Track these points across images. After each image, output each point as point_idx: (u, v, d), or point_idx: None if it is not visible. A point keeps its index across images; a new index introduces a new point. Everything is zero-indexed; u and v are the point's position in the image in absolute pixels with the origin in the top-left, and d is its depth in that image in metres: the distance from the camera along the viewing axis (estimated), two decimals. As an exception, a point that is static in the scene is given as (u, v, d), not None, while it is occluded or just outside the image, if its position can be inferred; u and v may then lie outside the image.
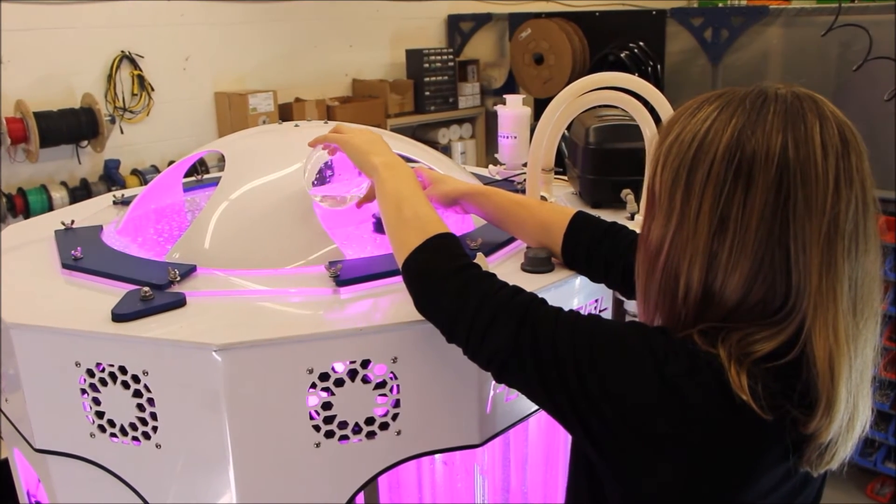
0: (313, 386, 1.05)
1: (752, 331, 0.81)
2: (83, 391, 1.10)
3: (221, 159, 1.45)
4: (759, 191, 0.78)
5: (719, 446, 0.79)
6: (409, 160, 1.71)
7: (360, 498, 1.17)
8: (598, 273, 1.17)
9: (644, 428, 0.80)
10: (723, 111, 0.82)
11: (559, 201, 1.58)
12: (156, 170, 3.39)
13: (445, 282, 0.95)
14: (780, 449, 0.79)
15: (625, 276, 1.11)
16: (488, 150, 4.57)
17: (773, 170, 0.77)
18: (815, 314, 0.78)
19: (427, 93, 4.25)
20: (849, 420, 0.81)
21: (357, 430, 1.09)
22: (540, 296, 0.93)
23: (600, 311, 1.30)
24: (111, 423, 1.11)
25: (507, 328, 0.89)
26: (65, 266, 1.29)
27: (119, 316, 1.08)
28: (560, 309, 0.90)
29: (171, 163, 3.03)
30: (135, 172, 3.35)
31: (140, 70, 3.39)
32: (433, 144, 4.22)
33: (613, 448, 0.83)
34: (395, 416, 1.10)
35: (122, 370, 1.07)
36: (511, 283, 0.94)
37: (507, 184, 1.72)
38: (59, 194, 3.10)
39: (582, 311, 1.24)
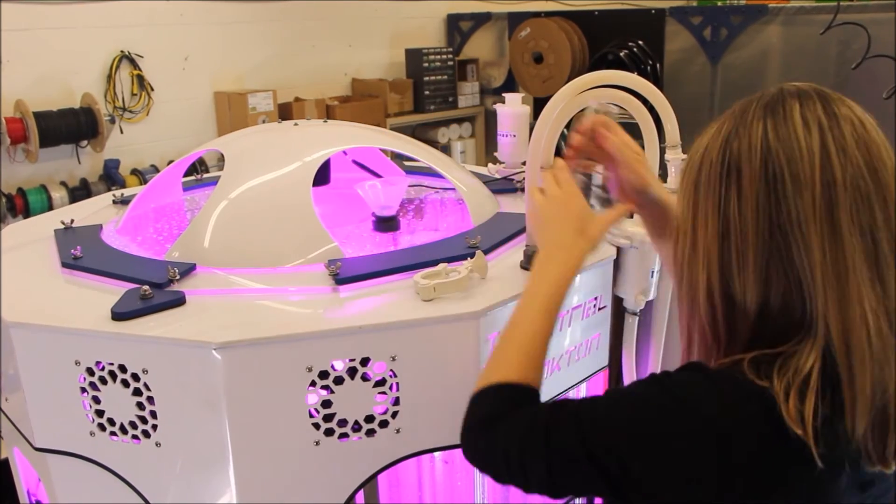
0: (313, 384, 1.05)
1: (798, 348, 0.78)
2: (83, 390, 1.10)
3: (221, 159, 1.45)
4: (748, 182, 0.79)
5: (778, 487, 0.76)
6: (409, 159, 1.71)
7: (360, 496, 1.17)
8: None
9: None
10: (716, 125, 0.84)
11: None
12: (155, 169, 3.39)
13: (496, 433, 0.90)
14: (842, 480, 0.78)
15: None
16: (488, 149, 4.57)
17: (758, 158, 0.78)
18: (826, 290, 0.76)
19: (426, 92, 4.25)
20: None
21: (356, 428, 1.09)
22: (550, 401, 0.88)
23: (599, 309, 1.30)
24: (111, 421, 1.11)
25: (539, 461, 0.85)
26: (64, 265, 1.29)
27: (119, 315, 1.08)
28: (576, 416, 0.85)
29: (170, 162, 3.03)
30: (134, 172, 3.36)
31: (139, 70, 3.39)
32: (433, 143, 4.22)
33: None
34: (394, 414, 1.10)
35: (122, 369, 1.07)
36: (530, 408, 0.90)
37: (507, 182, 1.72)
38: (58, 194, 3.10)
39: (581, 311, 1.25)
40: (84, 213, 1.64)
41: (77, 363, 1.09)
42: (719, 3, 4.20)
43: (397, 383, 1.08)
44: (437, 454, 1.43)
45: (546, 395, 1.25)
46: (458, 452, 1.41)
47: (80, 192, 3.14)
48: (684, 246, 0.86)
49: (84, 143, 3.23)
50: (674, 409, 0.79)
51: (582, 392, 1.42)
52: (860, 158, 0.77)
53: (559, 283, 0.97)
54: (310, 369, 1.05)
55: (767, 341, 0.81)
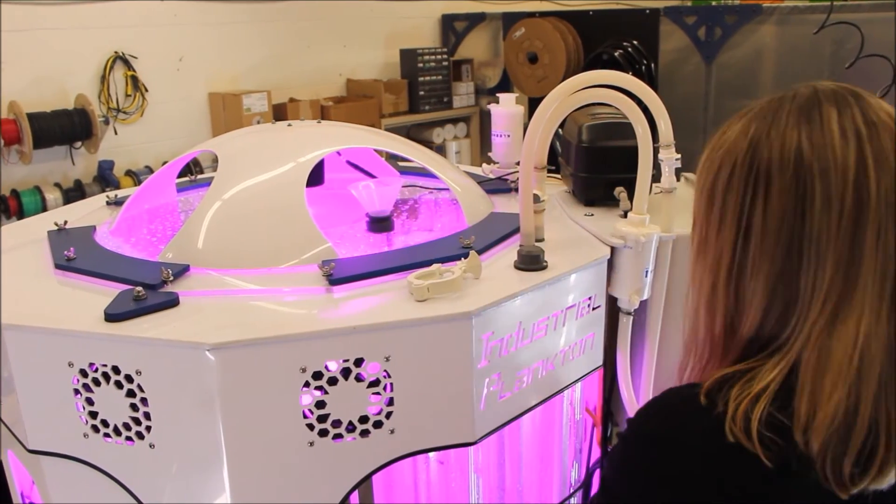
0: (307, 385, 1.05)
1: (764, 363, 0.78)
2: (76, 391, 1.10)
3: (216, 160, 1.45)
4: (778, 192, 0.76)
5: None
6: (403, 160, 1.71)
7: (355, 497, 1.17)
8: None
9: None
10: (742, 122, 0.81)
11: (552, 200, 1.58)
12: (150, 170, 3.39)
13: None
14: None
15: None
16: (483, 149, 4.58)
17: (791, 168, 0.75)
18: (825, 305, 0.75)
19: (421, 92, 4.25)
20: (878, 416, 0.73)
21: (351, 428, 1.09)
22: None
23: (594, 308, 1.30)
24: (105, 423, 1.10)
25: None
26: (58, 266, 1.29)
27: (112, 316, 1.08)
28: None
29: (165, 163, 3.03)
30: (129, 173, 3.35)
31: (134, 71, 3.39)
32: (428, 144, 4.22)
33: None
34: (388, 415, 1.09)
35: (116, 370, 1.07)
36: None
37: (501, 182, 1.72)
38: (52, 196, 3.10)
39: (576, 310, 1.25)
40: (78, 214, 1.64)
41: (70, 365, 1.08)
42: (713, 3, 4.21)
43: (391, 384, 1.08)
44: (431, 454, 1.43)
45: (541, 394, 1.26)
46: (453, 452, 1.41)
47: (74, 193, 3.14)
48: (700, 246, 0.85)
49: (78, 144, 3.23)
50: (625, 445, 0.82)
51: (577, 393, 1.42)
52: None
53: None
54: (304, 370, 1.04)
55: (748, 355, 0.81)
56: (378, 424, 1.09)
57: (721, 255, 0.81)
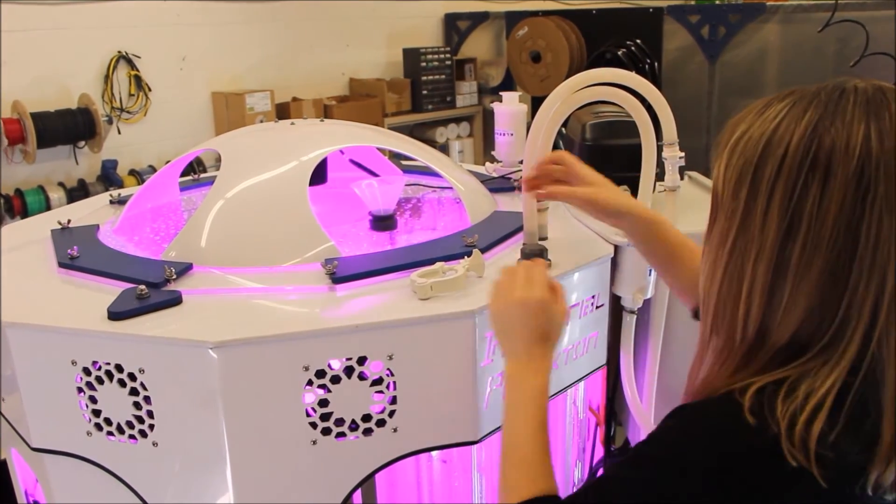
0: (309, 383, 1.05)
1: (807, 368, 0.74)
2: (79, 390, 1.10)
3: (219, 159, 1.45)
4: (838, 185, 0.72)
5: None
6: (408, 159, 1.71)
7: (358, 496, 1.16)
8: None
9: None
10: (795, 106, 0.76)
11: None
12: (153, 170, 3.39)
13: None
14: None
15: None
16: (486, 148, 4.58)
17: (854, 162, 0.72)
18: (888, 320, 0.72)
19: (424, 91, 4.25)
20: None
21: (354, 427, 1.09)
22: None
23: (597, 307, 1.30)
24: (108, 421, 1.11)
25: None
26: (61, 265, 1.29)
27: (115, 314, 1.08)
28: None
29: (168, 163, 3.03)
30: (132, 173, 3.36)
31: (137, 70, 3.40)
32: (431, 143, 4.22)
33: None
34: (391, 413, 1.09)
35: (119, 368, 1.07)
36: None
37: (504, 181, 1.72)
38: (56, 195, 3.10)
39: (579, 309, 1.25)
40: (81, 213, 1.64)
41: (73, 363, 1.09)
42: (717, 2, 4.20)
43: (394, 382, 1.08)
44: (434, 453, 1.43)
45: (544, 393, 1.25)
46: (456, 451, 1.41)
47: (77, 192, 3.14)
48: (729, 226, 0.79)
49: (81, 143, 3.23)
50: (662, 474, 0.76)
51: (580, 392, 1.42)
52: None
53: (543, 394, 0.94)
54: (306, 368, 1.04)
55: (778, 362, 0.77)
56: (381, 423, 1.09)
57: (761, 250, 0.76)
